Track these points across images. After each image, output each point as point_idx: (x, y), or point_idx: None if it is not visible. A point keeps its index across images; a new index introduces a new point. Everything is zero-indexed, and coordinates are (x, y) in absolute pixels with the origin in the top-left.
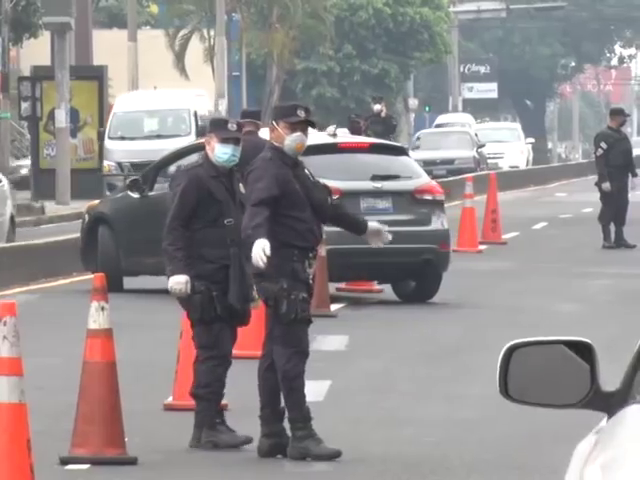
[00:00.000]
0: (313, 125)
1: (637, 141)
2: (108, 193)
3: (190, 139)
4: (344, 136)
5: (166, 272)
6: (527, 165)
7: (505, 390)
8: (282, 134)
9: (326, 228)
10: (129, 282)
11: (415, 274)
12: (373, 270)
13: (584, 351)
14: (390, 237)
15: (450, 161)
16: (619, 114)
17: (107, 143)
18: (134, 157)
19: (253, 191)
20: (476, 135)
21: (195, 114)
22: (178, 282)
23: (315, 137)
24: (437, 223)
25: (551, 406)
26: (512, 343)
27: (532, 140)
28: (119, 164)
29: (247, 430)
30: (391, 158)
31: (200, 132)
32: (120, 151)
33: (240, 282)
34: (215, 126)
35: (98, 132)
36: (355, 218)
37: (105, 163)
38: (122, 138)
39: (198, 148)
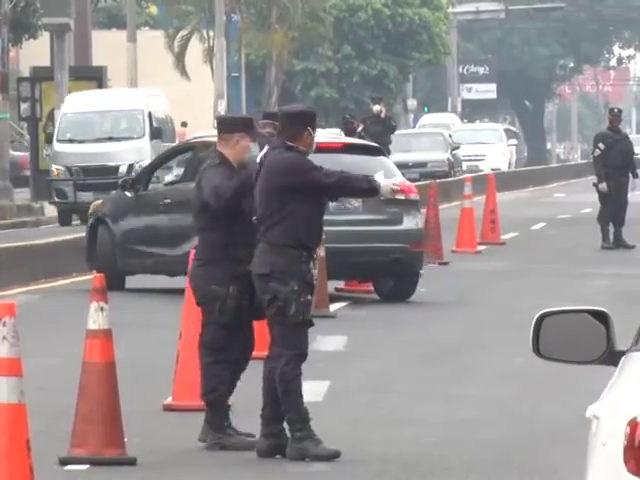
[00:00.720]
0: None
1: (636, 139)
2: (56, 199)
3: (144, 142)
4: (318, 136)
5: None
6: (509, 168)
7: (537, 350)
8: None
9: None
10: (130, 281)
11: (386, 273)
12: (345, 269)
13: (601, 318)
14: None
15: (422, 164)
16: (609, 113)
17: (55, 146)
18: (84, 161)
19: (312, 169)
20: (450, 137)
21: (150, 115)
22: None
23: None
24: (410, 223)
25: (574, 362)
26: (543, 311)
27: (515, 142)
28: (68, 168)
29: (247, 430)
30: (366, 158)
31: (155, 134)
32: (69, 154)
33: None
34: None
35: (46, 134)
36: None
37: (53, 167)
38: (71, 141)
39: (189, 148)
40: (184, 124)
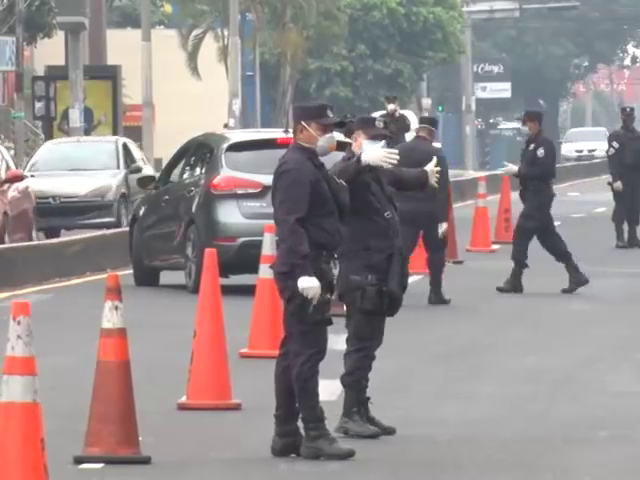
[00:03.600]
0: (343, 125)
1: None
2: None
3: None
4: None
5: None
6: None
7: None
8: (314, 135)
9: (242, 220)
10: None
11: None
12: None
13: None
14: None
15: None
16: (622, 112)
17: None
18: None
19: (287, 199)
20: None
21: None
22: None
23: (261, 134)
24: None
25: None
26: None
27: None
28: None
29: (261, 429)
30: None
31: None
32: None
33: (402, 270)
34: (363, 124)
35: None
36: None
37: None
38: None
39: (200, 145)
40: (227, 126)
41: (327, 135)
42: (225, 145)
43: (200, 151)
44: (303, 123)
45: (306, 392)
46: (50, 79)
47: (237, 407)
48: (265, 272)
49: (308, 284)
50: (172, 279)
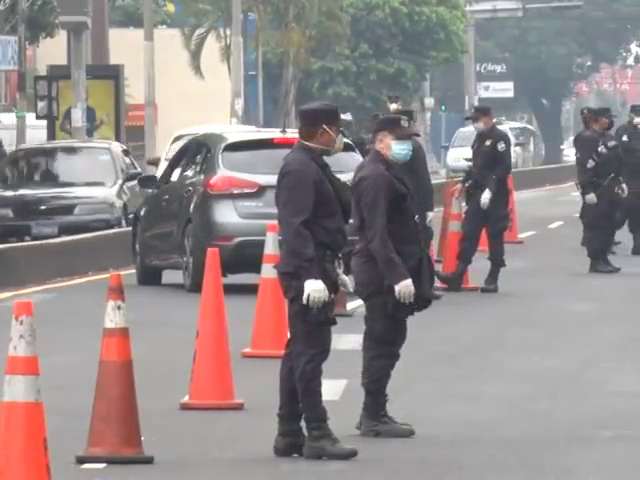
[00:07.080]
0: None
1: None
2: None
3: None
4: (291, 132)
5: (389, 280)
6: None
7: None
8: (334, 138)
9: (238, 220)
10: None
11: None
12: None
13: None
14: None
15: (69, 208)
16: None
17: None
18: None
19: (291, 201)
20: (127, 154)
21: None
22: (407, 285)
23: (259, 133)
24: None
25: None
26: None
27: None
28: None
29: (263, 429)
30: (339, 154)
31: None
32: None
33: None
34: (389, 124)
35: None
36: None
37: None
38: None
39: (202, 144)
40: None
41: (338, 136)
42: (222, 145)
43: (199, 151)
44: (325, 127)
45: (309, 392)
46: (52, 79)
47: (239, 407)
48: (268, 271)
49: (314, 287)
50: (174, 279)
